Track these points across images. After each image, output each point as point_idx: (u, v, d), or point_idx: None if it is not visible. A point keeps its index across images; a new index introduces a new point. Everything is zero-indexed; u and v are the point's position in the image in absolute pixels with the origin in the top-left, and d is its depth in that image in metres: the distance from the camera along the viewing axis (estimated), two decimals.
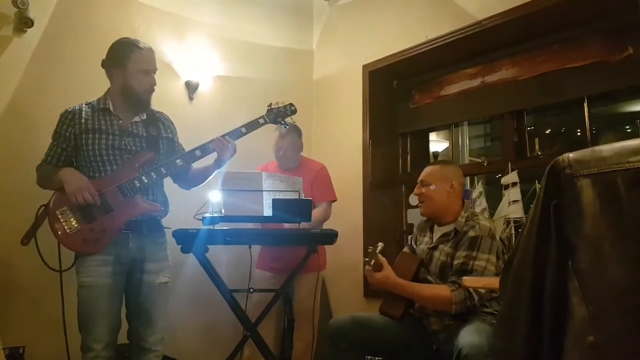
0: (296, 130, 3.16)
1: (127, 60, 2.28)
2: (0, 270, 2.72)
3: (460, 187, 2.51)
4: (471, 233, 2.29)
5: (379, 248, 2.40)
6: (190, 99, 3.61)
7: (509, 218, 2.90)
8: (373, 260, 2.36)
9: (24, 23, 2.89)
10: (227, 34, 3.83)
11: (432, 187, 2.48)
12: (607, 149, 0.80)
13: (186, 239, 2.36)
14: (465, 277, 2.09)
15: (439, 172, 2.52)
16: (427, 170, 2.57)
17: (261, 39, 3.99)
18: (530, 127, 3.33)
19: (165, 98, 3.36)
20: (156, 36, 3.43)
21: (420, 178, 2.56)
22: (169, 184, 2.51)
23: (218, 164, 2.41)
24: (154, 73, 2.36)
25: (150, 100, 2.38)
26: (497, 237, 2.33)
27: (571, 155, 0.82)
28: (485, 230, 2.29)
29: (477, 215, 2.43)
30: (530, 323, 0.84)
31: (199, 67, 3.62)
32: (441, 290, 2.24)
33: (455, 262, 2.28)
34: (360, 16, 3.90)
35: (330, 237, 2.51)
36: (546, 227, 0.83)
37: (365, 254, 3.52)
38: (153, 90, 2.36)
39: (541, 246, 0.83)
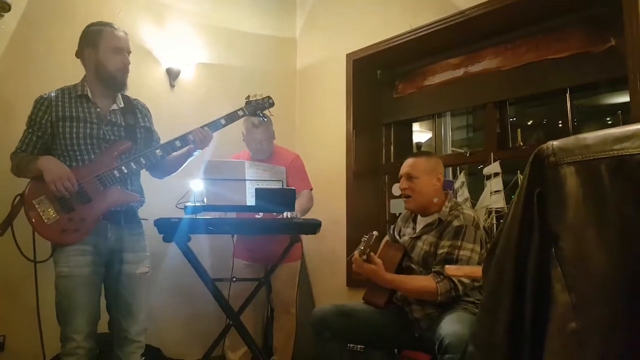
0: (268, 120, 3.07)
1: (98, 39, 2.25)
2: None
3: (442, 177, 2.50)
4: (455, 223, 2.30)
5: (374, 237, 2.39)
6: (172, 86, 3.55)
7: (490, 208, 2.92)
8: (367, 250, 2.34)
9: (0, 7, 2.82)
10: (210, 21, 3.78)
11: (419, 180, 2.41)
12: (591, 136, 0.80)
13: (168, 228, 2.35)
14: (447, 266, 2.08)
15: (425, 164, 2.44)
16: (411, 162, 2.47)
17: (244, 26, 3.95)
18: (513, 118, 3.35)
19: (146, 85, 3.32)
20: (137, 22, 3.37)
21: (405, 171, 2.46)
22: (145, 175, 2.47)
23: (191, 152, 2.41)
24: (128, 54, 2.32)
25: (125, 82, 2.33)
26: (481, 227, 2.34)
27: (555, 143, 0.82)
28: (470, 220, 2.30)
29: (460, 205, 2.43)
30: (513, 310, 0.84)
31: (181, 54, 3.56)
32: (427, 283, 2.23)
33: (440, 252, 2.29)
34: (344, 4, 3.87)
35: (314, 226, 2.50)
36: (529, 214, 0.82)
37: (349, 243, 3.56)
38: (127, 70, 2.32)
39: (524, 234, 0.83)
